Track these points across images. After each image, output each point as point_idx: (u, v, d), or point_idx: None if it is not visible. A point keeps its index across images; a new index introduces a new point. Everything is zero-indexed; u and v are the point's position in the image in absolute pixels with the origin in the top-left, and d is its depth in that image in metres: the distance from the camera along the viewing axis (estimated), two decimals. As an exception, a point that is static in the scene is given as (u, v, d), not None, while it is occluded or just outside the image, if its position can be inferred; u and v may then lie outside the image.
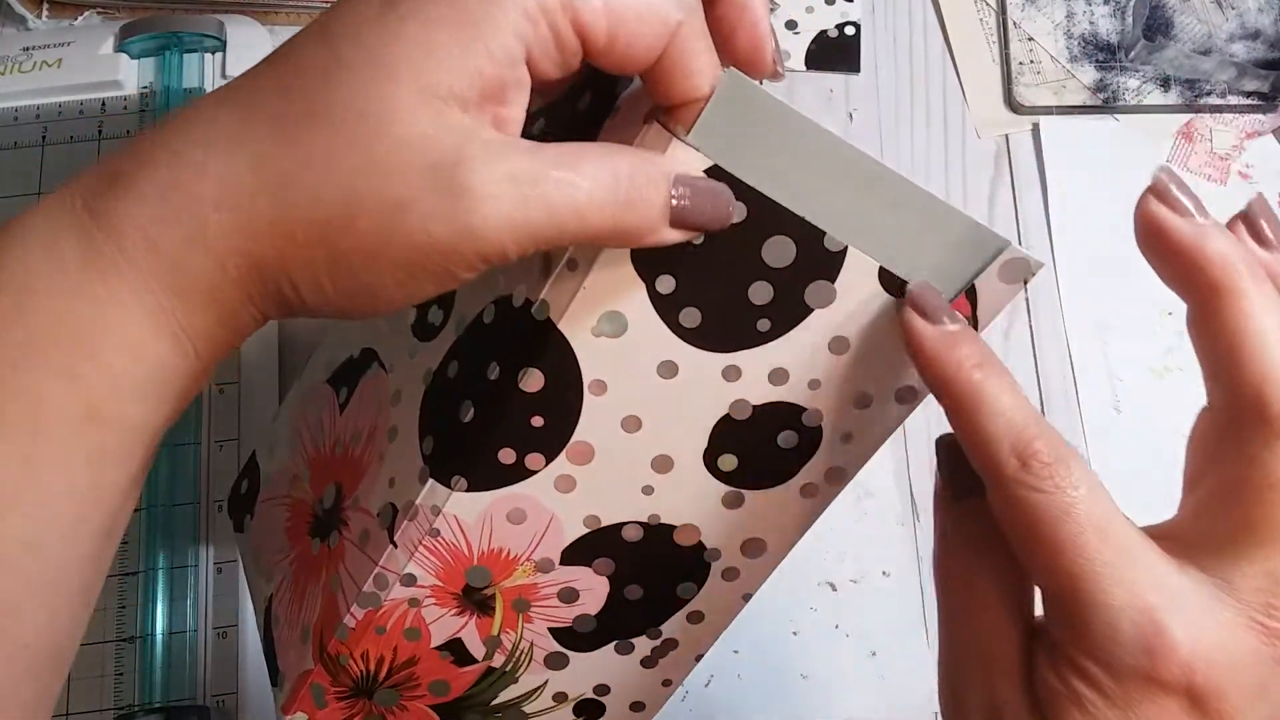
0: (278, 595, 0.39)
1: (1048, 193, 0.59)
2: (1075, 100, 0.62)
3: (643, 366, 0.32)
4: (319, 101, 0.27)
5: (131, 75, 0.58)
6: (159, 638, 0.47)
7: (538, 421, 0.32)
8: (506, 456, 0.33)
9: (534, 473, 0.33)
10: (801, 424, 0.33)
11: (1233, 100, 0.62)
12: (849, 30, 0.63)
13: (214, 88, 0.57)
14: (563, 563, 0.35)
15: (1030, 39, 0.63)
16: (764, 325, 0.31)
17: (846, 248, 0.31)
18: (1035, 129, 0.61)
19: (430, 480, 0.33)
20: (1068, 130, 0.61)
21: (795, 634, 0.50)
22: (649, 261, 0.31)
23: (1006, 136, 0.61)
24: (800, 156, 0.30)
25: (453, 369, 0.34)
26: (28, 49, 0.58)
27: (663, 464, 0.33)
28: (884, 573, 0.52)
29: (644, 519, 0.34)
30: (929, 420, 0.55)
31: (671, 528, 0.34)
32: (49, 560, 0.28)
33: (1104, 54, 0.63)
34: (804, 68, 0.62)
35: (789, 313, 0.31)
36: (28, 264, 0.27)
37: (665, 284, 0.31)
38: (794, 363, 0.32)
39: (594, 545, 0.34)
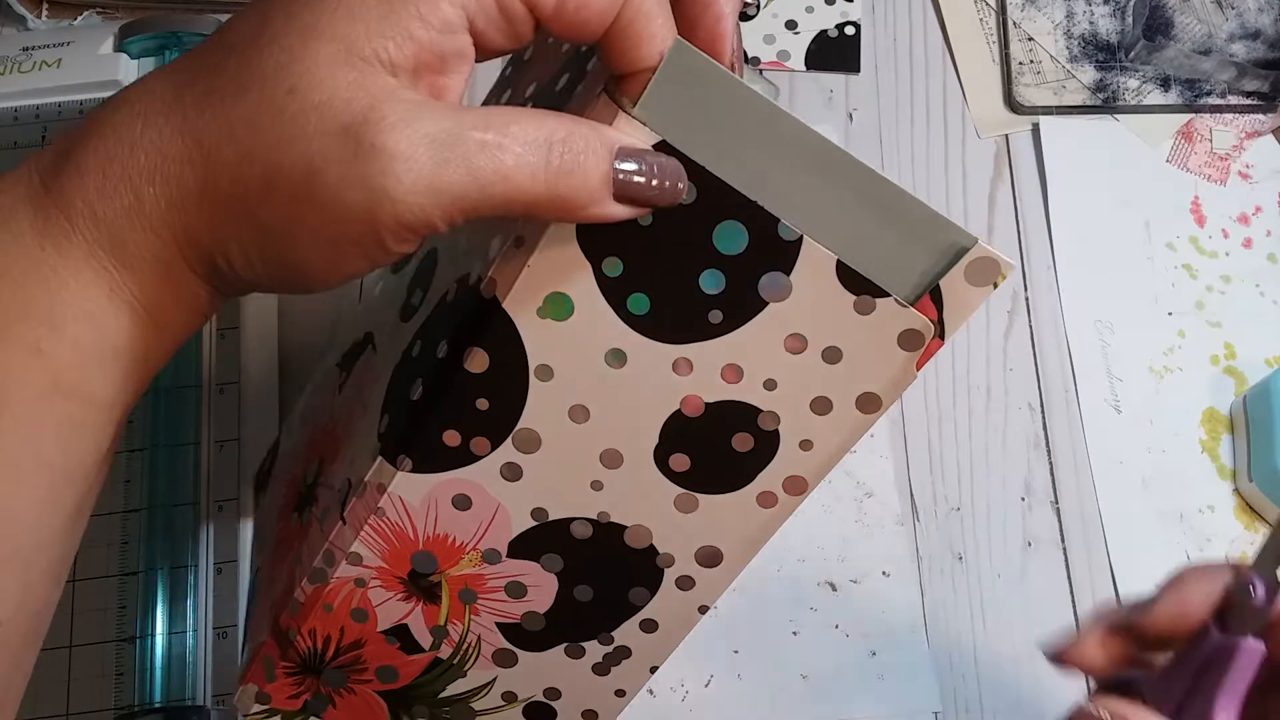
0: (262, 569, 0.40)
1: (1048, 193, 0.59)
2: (1075, 100, 0.62)
3: (590, 353, 0.31)
4: (245, 72, 0.26)
5: (131, 75, 0.58)
6: (159, 638, 0.47)
7: (483, 404, 0.31)
8: (451, 438, 0.32)
9: (479, 457, 0.32)
10: (757, 426, 0.31)
11: (1233, 100, 0.62)
12: (849, 30, 0.63)
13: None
14: (510, 555, 0.34)
15: (1030, 39, 0.63)
16: (716, 317, 0.30)
17: (802, 237, 0.29)
18: (1035, 129, 0.61)
19: (379, 458, 0.33)
20: (1068, 130, 0.61)
21: (795, 634, 0.50)
22: (596, 241, 0.29)
23: (1006, 136, 0.61)
24: (754, 137, 0.28)
25: (416, 348, 0.34)
26: (28, 49, 0.58)
27: (612, 459, 0.32)
28: (884, 573, 0.52)
29: (593, 516, 0.33)
30: (929, 421, 0.55)
31: (622, 528, 0.33)
32: (22, 534, 0.28)
33: (1104, 54, 0.63)
34: (804, 68, 0.62)
35: (742, 304, 0.30)
36: None
37: (612, 266, 0.30)
38: (748, 359, 0.30)
39: (542, 540, 0.34)
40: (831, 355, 0.30)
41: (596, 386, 0.31)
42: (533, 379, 0.31)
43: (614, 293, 0.30)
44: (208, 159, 0.26)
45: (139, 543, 0.49)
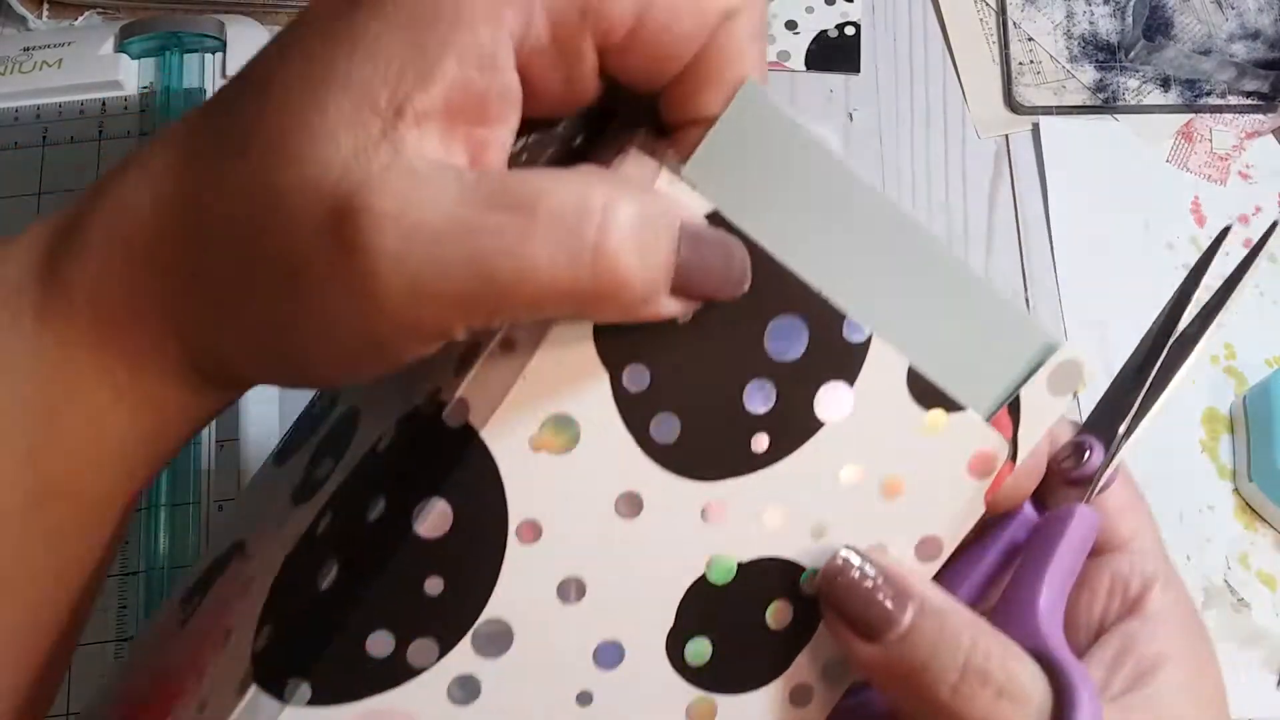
0: None
1: (1048, 193, 0.59)
2: (1075, 100, 0.62)
3: (596, 499, 0.23)
4: (251, 127, 0.22)
5: (131, 75, 0.58)
6: (159, 638, 0.47)
7: (434, 585, 0.22)
8: (379, 645, 0.23)
9: (418, 671, 0.23)
10: (798, 592, 0.24)
11: (1233, 100, 0.62)
12: (849, 30, 0.63)
13: (214, 88, 0.58)
14: None
15: (1030, 39, 0.63)
16: (760, 444, 0.23)
17: (871, 338, 0.23)
18: (1035, 129, 0.61)
19: (252, 687, 0.22)
20: (1068, 130, 0.61)
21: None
22: (618, 344, 0.22)
23: (1006, 136, 0.61)
24: (824, 209, 0.22)
25: (324, 523, 0.24)
26: (28, 49, 0.58)
27: (610, 656, 0.24)
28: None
29: None
30: (929, 420, 0.55)
31: None
32: (13, 643, 0.25)
33: (1104, 54, 0.63)
34: (804, 68, 0.62)
35: (794, 426, 0.24)
36: None
37: (637, 377, 0.23)
38: (796, 498, 0.24)
39: None
40: (891, 487, 0.24)
41: (600, 548, 0.23)
42: (512, 542, 0.23)
43: (635, 413, 0.23)
44: (202, 236, 0.22)
45: (139, 543, 0.49)
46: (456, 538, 0.22)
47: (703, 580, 0.24)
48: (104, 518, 0.25)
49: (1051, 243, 0.58)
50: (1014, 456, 0.25)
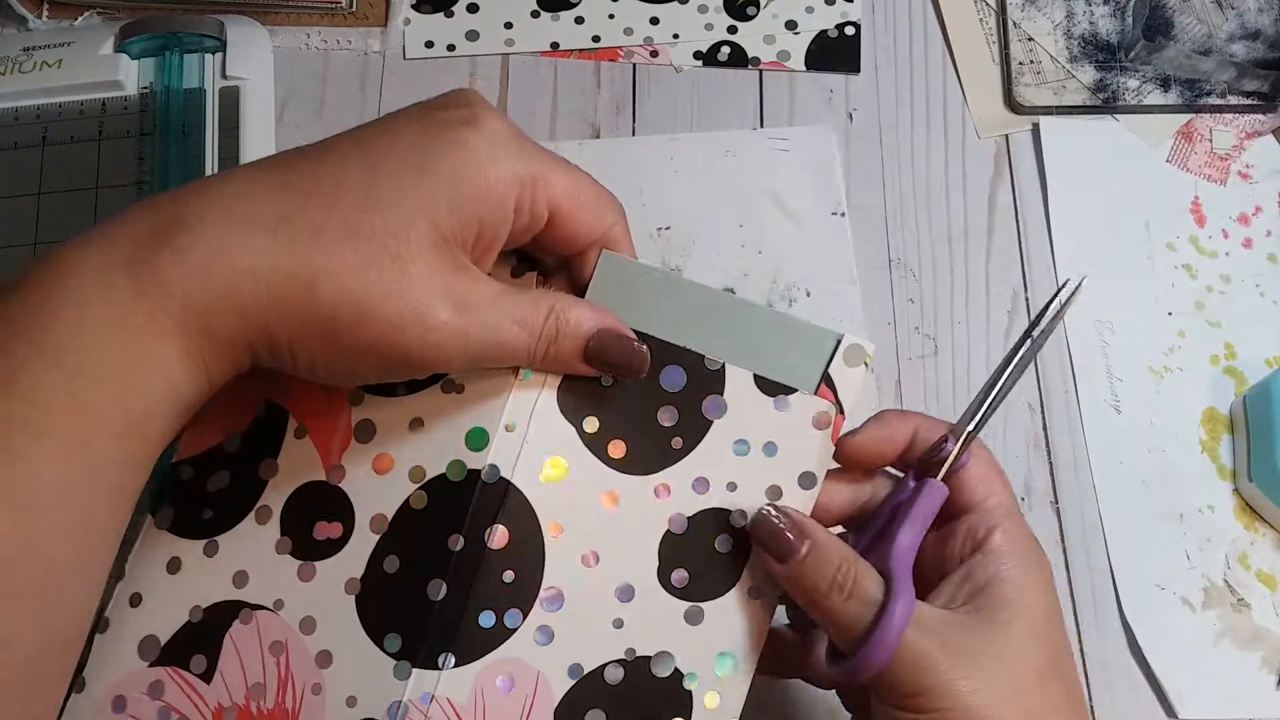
0: None
1: (1048, 193, 0.59)
2: (1075, 100, 0.62)
3: (588, 501, 0.37)
4: (357, 224, 0.33)
5: (131, 75, 0.58)
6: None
7: (509, 576, 0.35)
8: (487, 619, 0.35)
9: (514, 630, 0.35)
10: (730, 526, 0.37)
11: (1233, 100, 0.62)
12: (849, 30, 0.63)
13: (214, 88, 0.58)
14: None
15: (1030, 39, 0.63)
16: (677, 443, 0.37)
17: (724, 365, 0.38)
18: (1035, 129, 0.61)
19: (414, 670, 0.35)
20: (1068, 130, 0.61)
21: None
22: (574, 408, 0.37)
23: (1006, 136, 0.61)
24: (671, 302, 0.38)
25: (391, 565, 0.36)
26: (28, 49, 0.58)
27: (626, 593, 0.36)
28: (884, 573, 0.52)
29: (621, 655, 0.36)
30: (929, 420, 0.55)
31: (647, 659, 0.36)
32: (80, 547, 0.32)
33: (1104, 54, 0.63)
34: (804, 68, 0.62)
35: (694, 427, 0.37)
36: (83, 295, 0.32)
37: (590, 424, 0.37)
38: (710, 470, 0.37)
39: (582, 697, 0.35)
40: (769, 449, 0.37)
41: (600, 529, 0.36)
42: (547, 537, 0.36)
43: (596, 445, 0.37)
44: (313, 284, 0.33)
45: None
46: (515, 544, 0.36)
47: (668, 533, 0.37)
48: (154, 455, 0.34)
49: (1051, 243, 0.58)
50: (841, 411, 0.37)
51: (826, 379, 0.37)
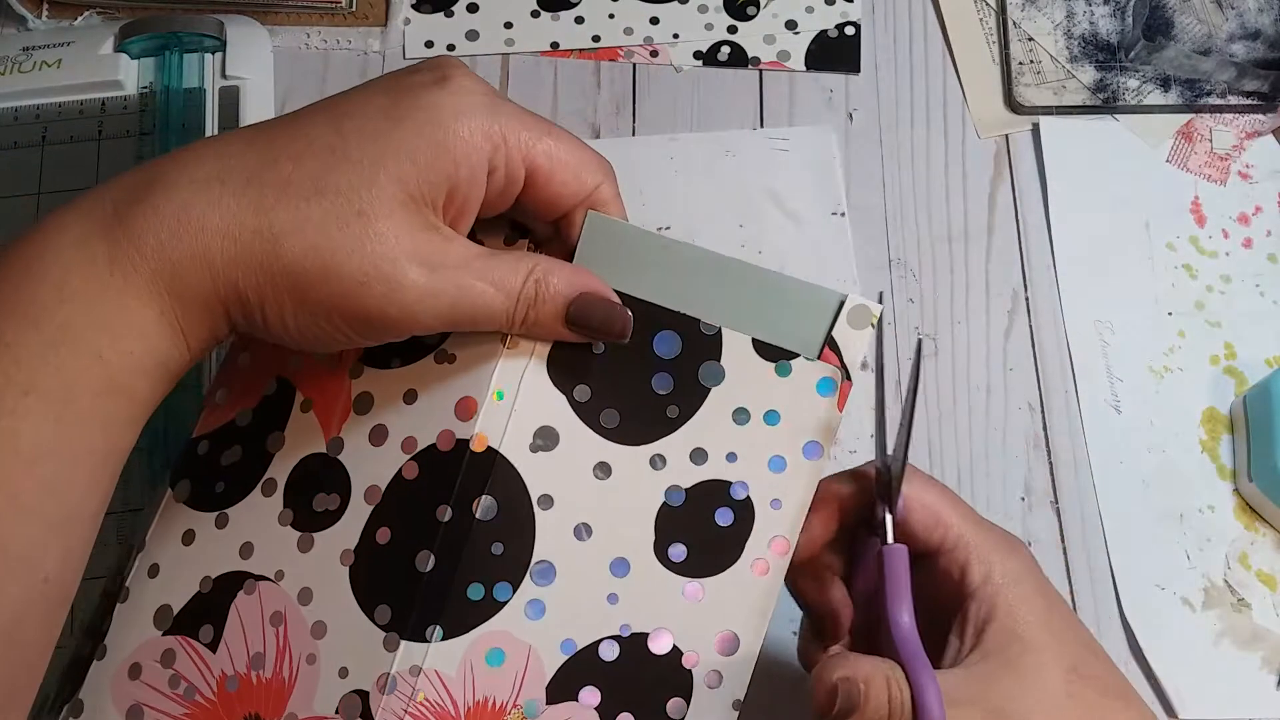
0: None
1: (1048, 193, 0.59)
2: (1075, 100, 0.62)
3: (580, 472, 0.35)
4: (322, 178, 0.33)
5: (131, 75, 0.58)
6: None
7: (498, 549, 0.35)
8: (475, 592, 0.34)
9: (503, 604, 0.34)
10: (731, 498, 0.35)
11: (1233, 100, 0.62)
12: (849, 30, 0.63)
13: (214, 88, 0.58)
14: (549, 701, 0.34)
15: (1030, 39, 0.63)
16: (673, 412, 0.36)
17: (720, 329, 0.36)
18: (1035, 129, 0.61)
19: (402, 643, 0.34)
20: (1068, 130, 0.61)
21: (796, 634, 0.50)
22: (564, 376, 0.36)
23: (1006, 136, 0.61)
24: (663, 264, 0.36)
25: (383, 535, 0.35)
26: (28, 49, 0.58)
27: (620, 567, 0.35)
28: (884, 573, 0.52)
29: (617, 631, 0.34)
30: (929, 421, 0.55)
31: (644, 635, 0.35)
32: (68, 505, 0.33)
33: (1104, 54, 0.63)
34: (804, 68, 0.62)
35: (691, 395, 0.36)
36: (64, 258, 0.32)
37: (582, 393, 0.36)
38: (708, 440, 0.36)
39: (576, 674, 0.34)
40: (771, 418, 0.36)
41: (592, 502, 0.35)
42: (537, 510, 0.35)
43: (588, 414, 0.36)
44: (277, 240, 0.33)
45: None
46: (503, 516, 0.35)
47: (665, 505, 0.35)
48: (140, 416, 0.34)
49: (1051, 243, 0.58)
50: (847, 377, 0.36)
51: (830, 342, 0.36)
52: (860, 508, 0.37)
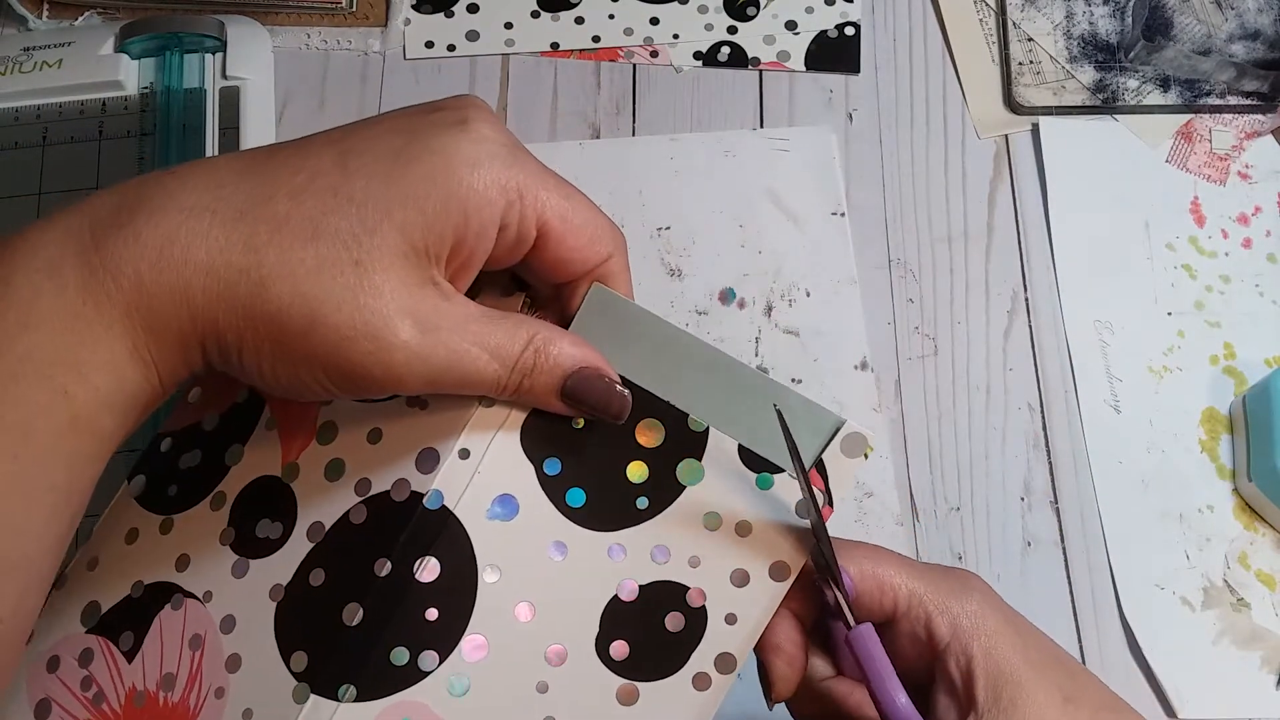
0: None
1: (1048, 193, 0.59)
2: (1075, 100, 0.62)
3: (535, 548, 0.34)
4: (320, 223, 0.31)
5: (132, 75, 0.58)
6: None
7: (432, 614, 0.33)
8: (399, 656, 0.32)
9: (426, 674, 0.32)
10: (686, 604, 0.34)
11: (1232, 100, 0.62)
12: (849, 30, 0.63)
13: (214, 88, 0.58)
14: None
15: (1030, 39, 0.63)
16: (643, 503, 0.34)
17: (708, 428, 0.35)
18: (1035, 129, 0.61)
19: (312, 696, 0.32)
20: (1068, 130, 0.61)
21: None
22: (537, 445, 0.34)
23: (1006, 136, 0.61)
24: (661, 351, 0.35)
25: (317, 577, 0.34)
26: (28, 49, 0.58)
27: (557, 655, 0.33)
28: (884, 572, 0.52)
29: None
30: (929, 421, 0.55)
31: None
32: (27, 545, 0.31)
33: (1104, 54, 0.63)
34: (804, 68, 0.62)
35: (664, 490, 0.34)
36: (34, 283, 0.30)
37: (552, 465, 0.34)
38: (673, 539, 0.34)
39: None
40: (743, 529, 0.34)
41: (541, 580, 0.34)
42: (482, 581, 0.33)
43: (554, 489, 0.34)
44: (264, 282, 0.31)
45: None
46: (445, 581, 0.33)
47: (615, 599, 0.34)
48: (105, 453, 0.32)
49: (1051, 243, 0.58)
50: (829, 501, 0.34)
51: (818, 464, 0.34)
52: (813, 603, 0.36)
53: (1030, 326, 0.57)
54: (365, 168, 0.32)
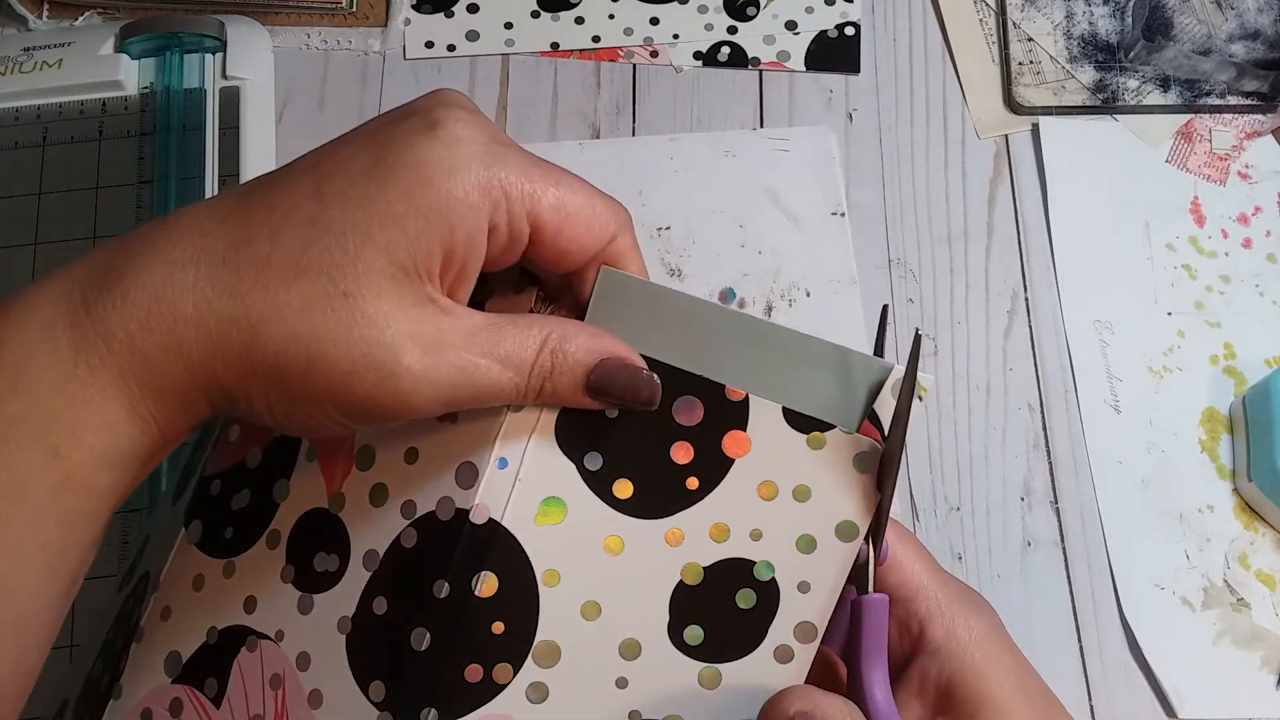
0: None
1: (1048, 193, 0.59)
2: (1075, 100, 0.62)
3: (589, 547, 0.33)
4: (302, 256, 0.30)
5: (132, 75, 0.58)
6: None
7: (499, 628, 0.32)
8: (473, 674, 0.32)
9: (503, 686, 0.32)
10: (755, 579, 0.33)
11: (1232, 100, 0.62)
12: (849, 30, 0.63)
13: (214, 88, 0.58)
14: None
15: (1030, 39, 0.63)
16: (693, 484, 0.33)
17: (748, 396, 0.33)
18: (1035, 129, 0.61)
19: None
20: (1067, 130, 0.61)
21: None
22: (574, 442, 0.33)
23: (1006, 136, 0.61)
24: (684, 325, 0.34)
25: (380, 606, 0.33)
26: (28, 49, 0.58)
27: (630, 649, 0.32)
28: (884, 573, 0.52)
29: (626, 718, 0.32)
30: (929, 421, 0.55)
31: None
32: (20, 605, 0.30)
33: (1104, 54, 0.63)
34: (804, 68, 0.62)
35: (713, 467, 0.33)
36: (26, 345, 0.30)
37: (593, 460, 0.33)
38: (731, 515, 0.33)
39: None
40: (801, 494, 0.33)
41: (601, 578, 0.33)
42: (542, 587, 0.33)
43: (599, 484, 0.33)
44: (255, 328, 0.30)
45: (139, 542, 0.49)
46: (505, 593, 0.33)
47: (681, 584, 0.33)
48: (105, 509, 0.31)
49: (1051, 243, 0.58)
50: (893, 450, 0.32)
51: (871, 415, 0.33)
52: None
53: (1030, 326, 0.57)
54: (340, 193, 0.30)
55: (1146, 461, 0.54)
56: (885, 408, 0.33)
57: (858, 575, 0.33)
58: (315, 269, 0.30)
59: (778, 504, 0.33)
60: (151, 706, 0.36)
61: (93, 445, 0.30)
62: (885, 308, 0.34)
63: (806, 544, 0.33)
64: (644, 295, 0.34)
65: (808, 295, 0.57)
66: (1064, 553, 0.53)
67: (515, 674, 0.32)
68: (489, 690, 0.32)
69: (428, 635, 0.32)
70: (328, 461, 0.36)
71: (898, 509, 0.53)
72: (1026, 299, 0.58)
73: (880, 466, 0.33)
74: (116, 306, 0.30)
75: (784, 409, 0.33)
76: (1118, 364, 0.56)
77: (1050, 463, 0.54)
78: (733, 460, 0.33)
